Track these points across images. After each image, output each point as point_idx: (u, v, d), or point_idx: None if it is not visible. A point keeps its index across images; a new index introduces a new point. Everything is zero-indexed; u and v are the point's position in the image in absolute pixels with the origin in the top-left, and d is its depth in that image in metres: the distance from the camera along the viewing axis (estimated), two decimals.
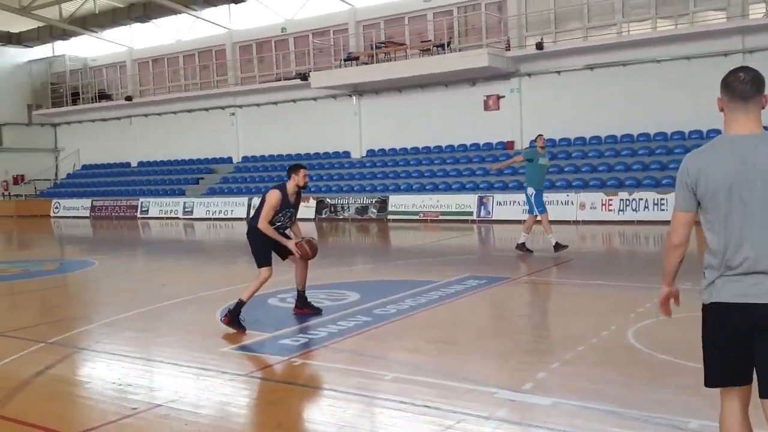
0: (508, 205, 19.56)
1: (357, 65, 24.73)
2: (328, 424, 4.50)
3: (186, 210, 26.58)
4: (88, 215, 29.43)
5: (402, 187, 22.86)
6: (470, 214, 20.23)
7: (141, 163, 33.14)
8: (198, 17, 29.37)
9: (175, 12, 29.09)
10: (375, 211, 22.18)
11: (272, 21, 28.37)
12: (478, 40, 23.69)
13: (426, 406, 4.60)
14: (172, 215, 26.85)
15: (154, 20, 30.83)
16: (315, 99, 26.96)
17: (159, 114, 31.93)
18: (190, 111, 30.76)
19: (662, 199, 17.25)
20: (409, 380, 5.22)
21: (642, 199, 17.74)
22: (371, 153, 26.10)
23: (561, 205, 18.38)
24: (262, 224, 7.13)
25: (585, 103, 21.40)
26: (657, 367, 5.36)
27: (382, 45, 24.79)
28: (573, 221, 18.16)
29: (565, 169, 20.46)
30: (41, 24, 32.53)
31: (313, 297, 8.04)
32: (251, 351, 6.41)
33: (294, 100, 27.52)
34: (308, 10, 27.53)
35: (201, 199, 26.77)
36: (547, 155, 12.66)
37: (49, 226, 26.79)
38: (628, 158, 20.06)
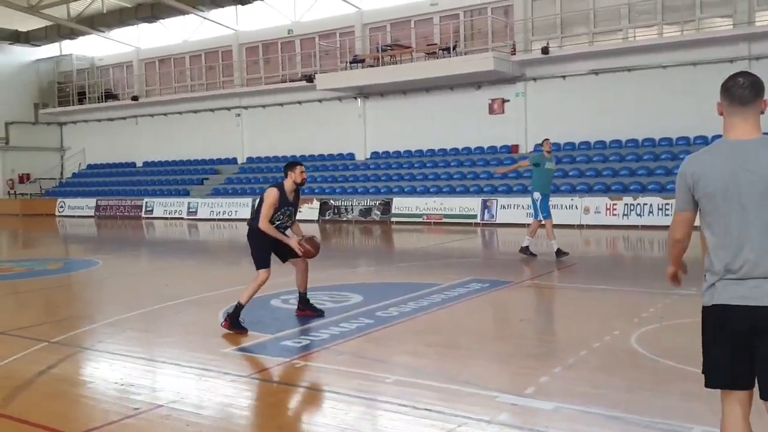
0: (512, 209, 19.55)
1: (363, 68, 24.77)
2: (330, 426, 4.50)
3: (190, 210, 26.63)
4: (92, 215, 29.51)
5: (406, 190, 22.86)
6: (474, 217, 20.21)
7: (146, 163, 33.22)
8: (205, 18, 29.44)
9: (182, 12, 29.18)
10: (379, 213, 22.19)
11: (279, 23, 28.43)
12: (484, 44, 23.70)
13: (427, 410, 4.60)
14: (177, 215, 26.90)
15: (161, 20, 30.93)
16: (320, 101, 27.00)
17: (165, 114, 32.01)
18: (195, 111, 30.83)
19: (667, 204, 17.21)
20: (411, 383, 5.21)
21: (646, 204, 17.71)
22: (376, 155, 26.11)
23: (565, 209, 18.36)
24: (263, 224, 7.06)
25: (590, 108, 21.38)
26: (660, 373, 5.35)
27: (388, 48, 24.82)
28: (577, 225, 18.13)
29: (570, 174, 20.44)
30: (49, 23, 32.65)
31: (315, 298, 8.04)
32: (253, 352, 6.41)
33: (299, 102, 27.57)
34: (315, 12, 27.57)
35: (205, 199, 26.81)
36: (554, 159, 12.58)
37: (54, 225, 26.86)
38: (632, 163, 20.03)
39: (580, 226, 18.14)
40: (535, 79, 22.50)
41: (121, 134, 33.86)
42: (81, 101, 34.87)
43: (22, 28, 33.89)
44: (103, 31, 32.37)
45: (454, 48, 23.14)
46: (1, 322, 8.11)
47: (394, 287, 9.60)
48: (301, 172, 7.24)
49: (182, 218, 26.54)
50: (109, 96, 34.32)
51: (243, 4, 28.10)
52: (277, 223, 7.21)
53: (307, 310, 7.64)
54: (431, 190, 22.32)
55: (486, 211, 20.12)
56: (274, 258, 7.35)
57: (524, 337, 7.00)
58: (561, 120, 21.71)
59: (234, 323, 6.96)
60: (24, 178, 35.59)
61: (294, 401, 5.13)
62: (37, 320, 8.27)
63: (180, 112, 31.37)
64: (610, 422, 4.36)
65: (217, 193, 27.46)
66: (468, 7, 24.10)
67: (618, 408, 4.55)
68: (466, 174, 22.63)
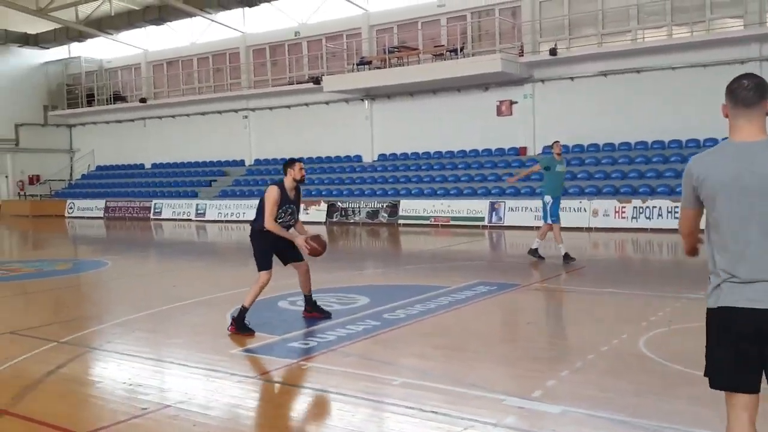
0: (520, 211, 19.50)
1: (369, 69, 24.79)
2: (336, 428, 4.50)
3: (198, 212, 26.71)
4: (102, 216, 29.64)
5: (413, 192, 22.85)
6: (481, 219, 20.18)
7: (154, 165, 33.35)
8: (212, 20, 29.55)
9: (189, 15, 29.30)
10: (386, 215, 22.18)
11: (286, 25, 28.49)
12: (491, 46, 23.67)
13: (434, 412, 4.59)
14: (185, 217, 26.99)
15: (169, 23, 31.06)
16: (327, 103, 27.04)
17: (173, 116, 32.13)
18: (203, 113, 30.94)
19: (676, 206, 17.12)
20: (418, 386, 5.20)
21: (656, 206, 17.63)
22: (383, 157, 26.12)
23: (574, 212, 18.30)
24: (269, 223, 7.02)
25: (599, 110, 21.31)
26: (668, 377, 5.32)
27: (395, 49, 24.82)
28: (586, 228, 18.07)
29: (578, 176, 20.37)
30: (58, 26, 32.86)
31: (322, 300, 8.04)
32: (260, 353, 6.42)
33: (306, 104, 27.61)
34: (322, 14, 27.63)
35: (213, 201, 26.89)
36: (564, 162, 12.42)
37: (64, 226, 26.99)
38: (642, 165, 19.95)
39: (589, 229, 18.08)
40: (543, 81, 22.46)
41: (130, 136, 34.02)
42: (90, 103, 35.05)
43: (32, 31, 34.12)
44: (112, 34, 32.53)
45: (461, 49, 23.11)
46: (10, 321, 8.16)
47: (401, 289, 9.59)
48: (301, 168, 7.20)
49: (190, 220, 26.62)
50: (118, 98, 34.49)
51: (250, 7, 28.18)
52: (279, 221, 7.15)
53: (315, 312, 7.64)
54: (438, 192, 22.31)
55: (494, 213, 20.08)
56: (276, 260, 7.32)
57: (532, 340, 6.98)
58: (569, 122, 21.65)
59: (240, 326, 6.97)
60: (34, 180, 35.80)
61: (301, 403, 5.14)
62: (47, 320, 8.32)
63: (188, 114, 31.48)
64: (618, 426, 4.34)
65: (224, 194, 27.53)
66: (475, 8, 24.09)
67: (625, 412, 4.54)
68: (474, 176, 22.60)
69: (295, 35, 28.51)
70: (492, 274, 11.39)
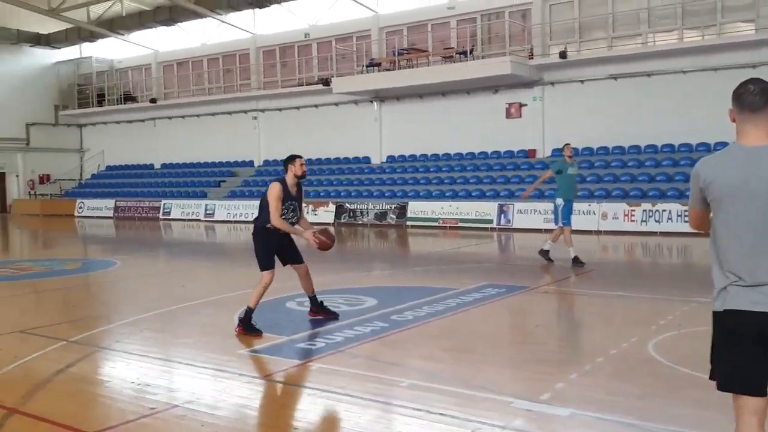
0: (529, 214, 19.46)
1: (379, 71, 24.79)
2: (344, 429, 4.50)
3: (207, 212, 26.79)
4: (111, 215, 29.79)
5: (422, 194, 22.84)
6: (490, 221, 20.15)
7: (164, 165, 33.48)
8: (223, 21, 29.65)
9: (200, 16, 29.42)
10: (394, 217, 22.19)
11: (296, 26, 28.56)
12: (501, 48, 23.64)
13: (442, 414, 4.59)
14: (194, 217, 27.08)
15: (179, 23, 31.21)
16: (336, 104, 27.07)
17: (182, 117, 32.26)
18: (213, 114, 31.04)
19: (686, 210, 17.01)
20: (426, 387, 5.20)
21: (665, 210, 17.55)
22: (391, 159, 26.13)
23: (583, 214, 18.22)
24: (275, 219, 6.98)
25: (608, 113, 21.25)
26: (677, 381, 5.30)
27: (405, 51, 24.83)
28: (595, 231, 18.01)
29: (588, 179, 20.30)
30: (69, 26, 33.07)
31: (330, 301, 8.05)
32: (268, 354, 6.42)
33: (316, 105, 27.65)
34: (332, 15, 27.68)
35: (222, 201, 26.97)
36: (576, 164, 12.33)
37: (74, 226, 27.14)
38: (651, 169, 19.87)
39: (598, 232, 18.02)
40: (552, 84, 22.42)
41: (140, 136, 34.17)
42: (100, 103, 35.24)
43: (43, 31, 34.35)
44: (123, 34, 32.72)
45: (471, 52, 23.10)
46: (20, 320, 8.20)
47: (409, 291, 9.59)
48: (302, 164, 7.16)
49: (199, 220, 26.71)
50: (128, 98, 34.66)
51: (260, 8, 28.27)
52: (282, 218, 7.10)
53: (321, 312, 7.62)
54: (447, 194, 22.29)
55: (502, 215, 20.05)
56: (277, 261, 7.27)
57: (540, 343, 6.95)
58: (579, 125, 21.59)
59: (247, 327, 6.98)
60: (44, 179, 36.02)
61: (308, 403, 5.14)
62: (56, 319, 8.36)
63: (198, 115, 31.60)
64: (626, 429, 4.32)
65: (233, 195, 27.61)
66: (485, 10, 24.07)
67: (634, 415, 4.52)
68: (483, 178, 22.57)
69: (305, 37, 28.57)
70: (500, 276, 11.37)
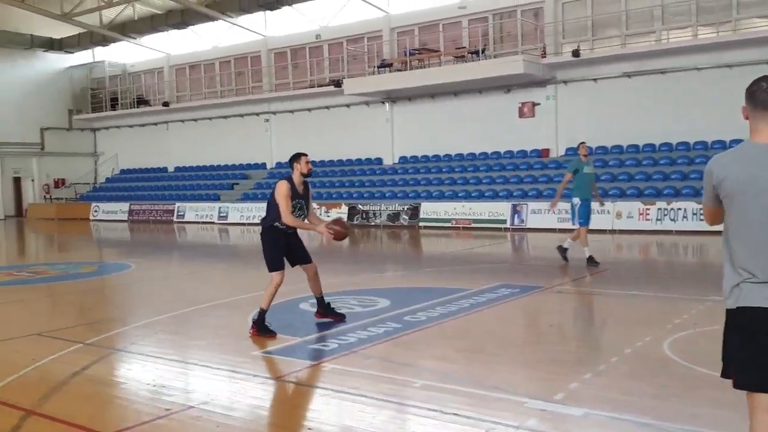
0: (542, 214, 19.37)
1: (391, 72, 24.80)
2: (358, 429, 4.51)
3: (221, 215, 26.92)
4: (126, 219, 30.01)
5: (434, 194, 22.81)
6: (504, 222, 20.09)
7: (177, 168, 33.67)
8: (234, 24, 29.78)
9: (211, 19, 29.57)
10: (407, 217, 22.17)
11: (307, 28, 28.63)
12: (513, 47, 23.56)
13: (455, 414, 4.58)
14: (208, 220, 27.22)
15: (191, 27, 31.38)
16: (348, 105, 27.10)
17: (195, 120, 32.43)
18: (225, 117, 31.18)
19: (701, 208, 16.84)
20: (439, 388, 5.19)
21: (680, 208, 17.42)
22: (404, 160, 26.12)
23: (597, 213, 18.00)
24: (287, 217, 6.97)
25: (622, 111, 21.12)
26: (692, 380, 5.26)
27: (416, 52, 24.81)
28: (609, 230, 17.90)
29: (602, 178, 20.15)
30: (82, 30, 33.35)
31: (343, 303, 8.06)
32: (282, 355, 6.44)
33: (327, 107, 27.70)
34: (343, 17, 27.72)
35: (235, 204, 27.09)
36: (591, 163, 12.14)
37: (89, 229, 27.36)
38: (666, 167, 19.72)
39: (613, 231, 17.91)
40: (566, 82, 22.32)
41: (153, 139, 34.40)
42: (113, 107, 35.52)
43: (56, 36, 34.68)
44: (135, 38, 32.95)
45: (483, 51, 23.04)
46: (37, 323, 8.28)
47: (422, 292, 9.58)
48: (307, 162, 7.16)
49: (213, 222, 26.84)
50: (141, 102, 34.90)
51: (271, 10, 28.36)
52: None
53: (327, 315, 7.57)
54: (460, 194, 22.24)
55: (516, 215, 19.98)
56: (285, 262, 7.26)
57: (554, 342, 6.93)
58: (593, 123, 21.48)
59: (261, 328, 7.00)
60: (59, 183, 36.35)
61: (322, 404, 5.15)
62: (72, 322, 8.44)
63: (210, 118, 31.75)
64: (641, 429, 4.30)
65: (246, 198, 27.72)
66: (497, 10, 24.00)
67: (648, 415, 4.49)
68: (496, 178, 22.50)
69: (316, 38, 28.63)
70: (514, 276, 11.32)
